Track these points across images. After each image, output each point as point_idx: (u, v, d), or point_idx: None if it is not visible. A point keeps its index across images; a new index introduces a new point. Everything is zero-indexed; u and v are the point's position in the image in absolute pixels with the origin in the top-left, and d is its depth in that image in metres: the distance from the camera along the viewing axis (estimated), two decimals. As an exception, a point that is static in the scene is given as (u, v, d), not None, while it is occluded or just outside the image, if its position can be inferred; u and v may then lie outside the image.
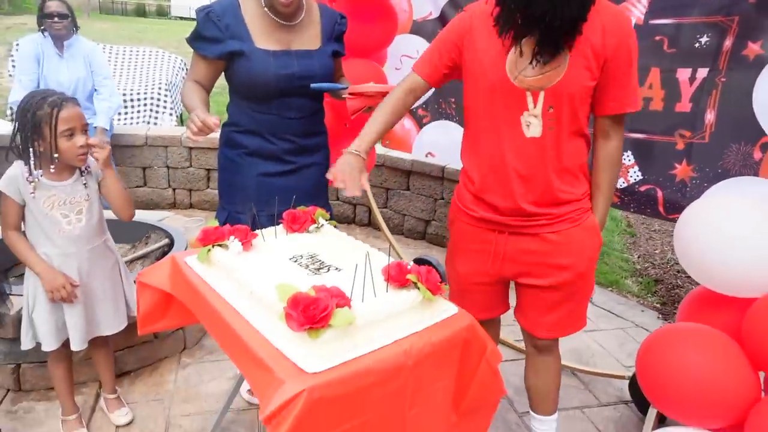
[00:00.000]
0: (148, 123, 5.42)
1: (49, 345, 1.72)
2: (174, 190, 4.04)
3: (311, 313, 1.11)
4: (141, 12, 42.18)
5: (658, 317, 3.08)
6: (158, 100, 5.62)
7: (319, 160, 1.92)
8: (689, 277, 3.40)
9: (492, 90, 1.50)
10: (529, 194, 1.54)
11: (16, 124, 1.59)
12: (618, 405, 2.30)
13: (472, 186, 1.63)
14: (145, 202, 3.97)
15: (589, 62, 1.44)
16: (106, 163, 1.67)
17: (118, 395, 1.98)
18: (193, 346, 2.38)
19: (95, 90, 3.60)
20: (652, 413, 1.88)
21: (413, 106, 2.95)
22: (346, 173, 1.51)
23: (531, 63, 1.42)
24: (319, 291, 1.16)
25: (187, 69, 6.67)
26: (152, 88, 5.69)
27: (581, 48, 1.42)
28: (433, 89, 1.81)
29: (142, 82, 5.76)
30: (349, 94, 1.79)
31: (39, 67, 3.37)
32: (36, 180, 1.61)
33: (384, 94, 1.75)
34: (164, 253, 2.51)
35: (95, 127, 3.41)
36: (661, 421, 1.89)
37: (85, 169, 1.70)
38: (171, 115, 5.70)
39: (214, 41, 1.69)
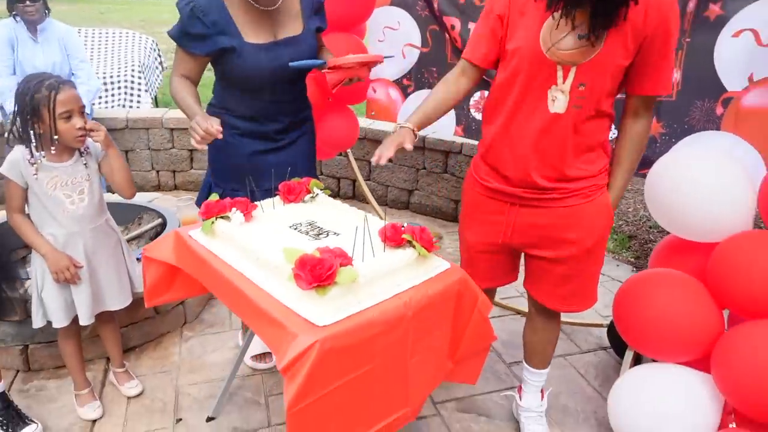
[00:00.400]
0: (124, 106, 5.36)
1: (59, 321, 1.79)
2: (158, 172, 4.05)
3: (318, 272, 1.21)
4: (101, -9, 40.69)
5: (633, 270, 3.26)
6: (132, 82, 5.55)
7: (306, 130, 1.98)
8: (661, 231, 3.59)
9: (521, 59, 1.46)
10: (543, 168, 1.53)
11: (15, 108, 1.63)
12: (598, 351, 2.46)
13: (489, 156, 1.63)
14: (129, 185, 3.97)
15: (627, 40, 1.38)
16: (108, 142, 1.72)
17: (126, 369, 2.07)
18: (193, 320, 2.46)
19: (72, 74, 3.57)
20: (628, 355, 2.04)
21: (398, 77, 3.05)
22: (384, 144, 1.53)
23: (588, 37, 1.36)
24: (324, 252, 1.26)
25: (158, 50, 6.57)
26: (126, 71, 5.60)
27: (620, 24, 1.35)
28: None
29: (114, 65, 5.66)
30: (329, 68, 1.76)
31: (13, 53, 3.33)
32: (38, 162, 1.66)
33: (364, 64, 1.76)
34: (157, 233, 2.57)
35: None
36: (637, 361, 2.05)
37: (85, 149, 1.74)
38: (147, 93, 5.65)
39: (202, 38, 1.66)
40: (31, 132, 1.63)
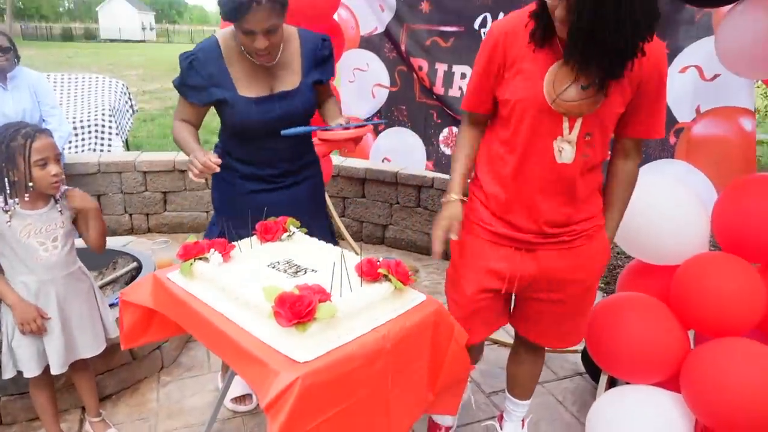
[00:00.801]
0: (95, 150, 5.34)
1: (30, 371, 1.76)
2: (131, 215, 4.03)
3: (297, 308, 1.24)
4: (68, 36, 40.71)
5: (603, 295, 3.35)
6: (103, 126, 5.55)
7: (309, 174, 1.99)
8: (628, 257, 3.70)
9: (525, 111, 1.44)
10: (551, 215, 1.51)
11: None
12: (574, 377, 2.51)
13: (492, 204, 1.58)
14: (101, 229, 3.94)
15: (624, 87, 1.39)
16: (85, 201, 1.75)
17: (102, 418, 2.02)
18: (170, 364, 2.43)
19: (43, 120, 3.57)
20: (603, 379, 2.10)
21: (369, 115, 3.14)
22: (447, 225, 1.55)
23: (591, 88, 1.36)
24: (302, 289, 1.29)
25: (128, 93, 6.60)
26: (96, 115, 5.61)
27: None
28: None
29: (85, 109, 5.67)
30: (319, 139, 1.79)
31: (-18, 102, 3.32)
32: (12, 209, 1.66)
33: (352, 140, 1.76)
34: (132, 277, 2.55)
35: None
36: (612, 384, 2.11)
37: (60, 196, 1.75)
38: (118, 136, 5.66)
39: (200, 89, 1.75)
40: (5, 180, 1.63)
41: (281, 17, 1.67)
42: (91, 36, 43.54)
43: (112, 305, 2.08)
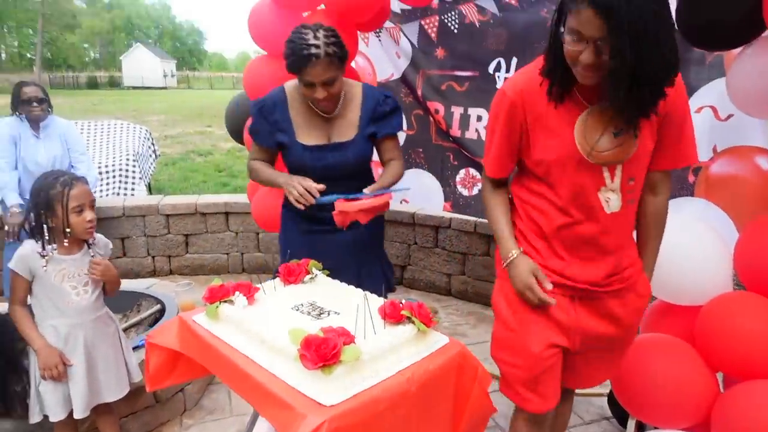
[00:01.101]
0: (119, 194, 5.49)
1: (56, 415, 1.78)
2: (153, 257, 4.10)
3: (323, 351, 1.26)
4: (93, 84, 42.29)
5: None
6: (127, 170, 5.72)
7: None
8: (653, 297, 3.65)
9: (562, 168, 1.41)
10: (607, 266, 1.47)
11: (30, 204, 1.72)
12: (600, 421, 2.45)
13: (540, 258, 1.51)
14: (125, 272, 4.00)
15: (652, 122, 1.37)
16: (105, 275, 1.81)
17: (124, 462, 2.02)
18: (193, 407, 2.43)
19: (72, 166, 3.70)
20: (631, 424, 2.05)
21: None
22: (533, 280, 1.48)
23: (622, 133, 1.34)
24: (327, 332, 1.31)
25: (152, 138, 6.81)
26: (121, 160, 5.79)
27: None
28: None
29: (110, 154, 5.86)
30: (338, 211, 1.81)
31: (16, 149, 3.46)
32: (49, 254, 1.72)
33: (369, 211, 1.78)
34: (156, 320, 2.59)
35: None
36: (641, 429, 2.06)
37: (92, 242, 1.81)
38: (141, 180, 5.82)
39: (266, 133, 1.94)
40: (44, 226, 1.70)
41: (339, 70, 1.80)
42: (115, 84, 45.21)
43: (136, 348, 2.11)
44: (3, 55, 52.40)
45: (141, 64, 52.81)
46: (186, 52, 76.50)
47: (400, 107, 1.98)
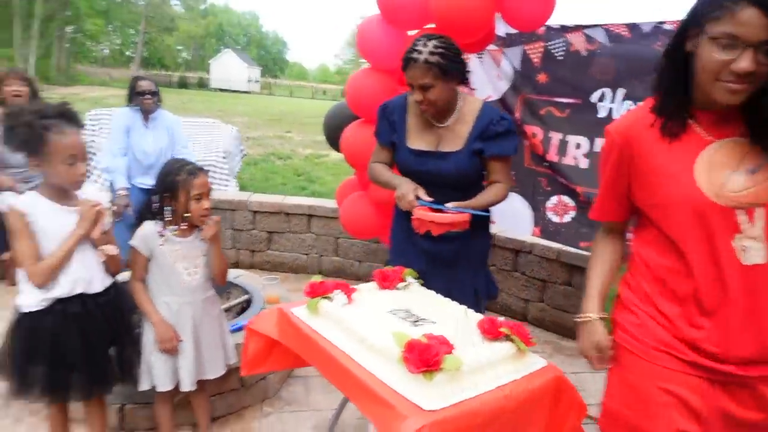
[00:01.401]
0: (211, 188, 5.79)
1: (164, 386, 1.90)
2: (238, 250, 4.29)
3: (426, 357, 1.29)
4: (183, 84, 44.92)
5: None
6: (218, 166, 6.03)
7: (478, 231, 2.00)
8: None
9: (683, 214, 1.23)
10: (751, 337, 1.20)
11: (156, 188, 1.87)
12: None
13: (670, 328, 1.27)
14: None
15: None
16: (214, 239, 1.92)
17: (211, 438, 2.12)
18: (273, 396, 2.52)
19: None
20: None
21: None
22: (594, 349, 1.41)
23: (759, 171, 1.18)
24: (430, 338, 1.34)
25: (240, 137, 7.17)
26: (211, 156, 6.12)
27: None
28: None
29: (202, 150, 6.21)
30: (415, 217, 1.86)
31: (127, 138, 3.75)
32: (167, 235, 1.85)
33: (442, 225, 1.80)
34: (243, 309, 2.71)
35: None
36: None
37: (202, 228, 1.93)
38: (233, 177, 6.12)
39: (384, 132, 2.10)
40: (167, 209, 1.84)
41: (438, 79, 1.86)
42: (202, 85, 47.80)
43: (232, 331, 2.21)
44: (106, 51, 56.63)
45: (228, 68, 55.63)
46: (270, 60, 79.84)
47: (514, 131, 1.98)
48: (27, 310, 1.65)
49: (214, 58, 59.52)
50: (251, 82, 56.25)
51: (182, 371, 1.90)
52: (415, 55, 1.84)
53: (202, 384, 2.00)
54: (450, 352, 1.33)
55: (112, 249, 1.73)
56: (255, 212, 4.19)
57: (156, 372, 1.89)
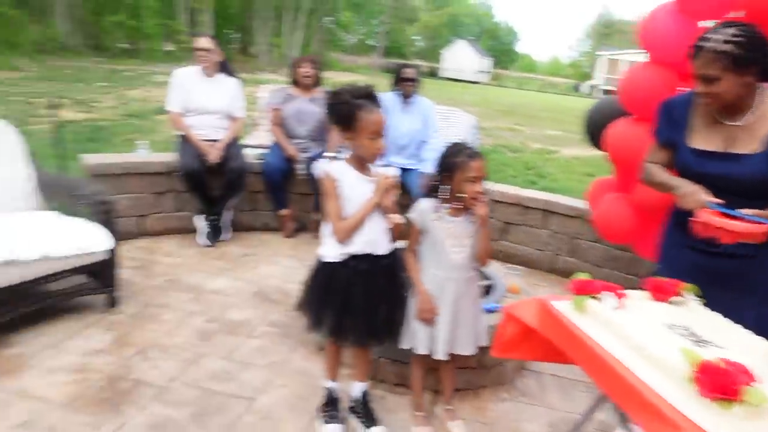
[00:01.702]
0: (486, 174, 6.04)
1: (422, 349, 2.09)
2: (473, 236, 4.41)
3: (722, 383, 1.18)
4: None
5: None
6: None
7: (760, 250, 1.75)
8: None
9: None
10: None
11: (436, 167, 2.03)
12: None
13: None
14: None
15: None
16: (484, 220, 1.99)
17: (453, 408, 2.27)
18: (508, 383, 2.57)
19: (423, 141, 4.24)
20: None
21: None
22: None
23: None
24: (729, 364, 1.22)
25: (477, 127, 7.27)
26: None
27: None
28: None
29: (443, 137, 6.47)
30: (701, 219, 1.69)
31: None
32: (440, 212, 2.00)
33: (733, 234, 1.62)
34: (483, 294, 2.78)
35: (422, 173, 3.99)
36: None
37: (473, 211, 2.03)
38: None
39: (662, 129, 1.96)
40: (445, 188, 1.98)
41: (728, 72, 1.66)
42: (433, 74, 49.75)
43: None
44: (353, 41, 62.38)
45: (459, 58, 56.83)
46: (500, 51, 79.21)
47: None
48: (327, 260, 1.95)
49: (446, 48, 61.29)
50: (480, 72, 56.68)
51: (438, 341, 2.05)
52: (701, 42, 1.69)
53: (452, 357, 2.14)
54: (750, 384, 1.19)
55: (398, 218, 1.93)
56: (496, 202, 4.21)
57: (418, 336, 2.07)
